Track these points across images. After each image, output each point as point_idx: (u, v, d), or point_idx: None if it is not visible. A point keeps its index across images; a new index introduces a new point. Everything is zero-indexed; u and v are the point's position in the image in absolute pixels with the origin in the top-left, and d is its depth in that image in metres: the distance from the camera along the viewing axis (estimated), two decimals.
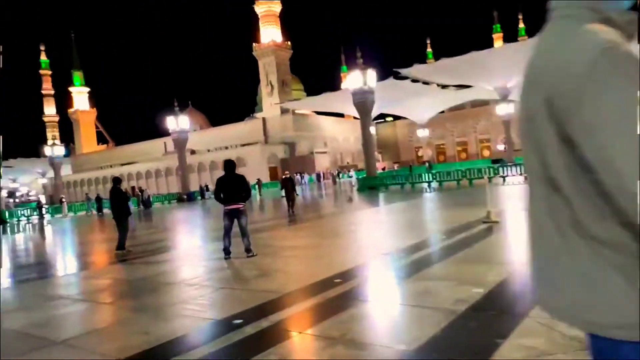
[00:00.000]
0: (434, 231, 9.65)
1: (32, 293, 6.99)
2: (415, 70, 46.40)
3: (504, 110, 46.88)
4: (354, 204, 19.58)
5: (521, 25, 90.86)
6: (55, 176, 49.61)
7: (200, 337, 4.06)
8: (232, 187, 7.76)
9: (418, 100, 58.27)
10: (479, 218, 9.51)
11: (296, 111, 71.55)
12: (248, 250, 7.82)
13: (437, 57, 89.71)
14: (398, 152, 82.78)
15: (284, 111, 69.77)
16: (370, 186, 28.58)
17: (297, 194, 16.73)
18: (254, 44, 73.43)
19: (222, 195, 7.83)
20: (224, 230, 7.90)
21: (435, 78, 49.46)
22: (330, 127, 75.82)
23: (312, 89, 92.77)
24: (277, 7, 74.28)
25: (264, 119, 71.84)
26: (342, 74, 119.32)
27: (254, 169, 63.51)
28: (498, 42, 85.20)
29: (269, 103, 72.40)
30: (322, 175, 59.48)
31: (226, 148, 71.37)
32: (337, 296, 4.81)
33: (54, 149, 50.17)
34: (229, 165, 7.89)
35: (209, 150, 73.30)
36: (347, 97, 56.51)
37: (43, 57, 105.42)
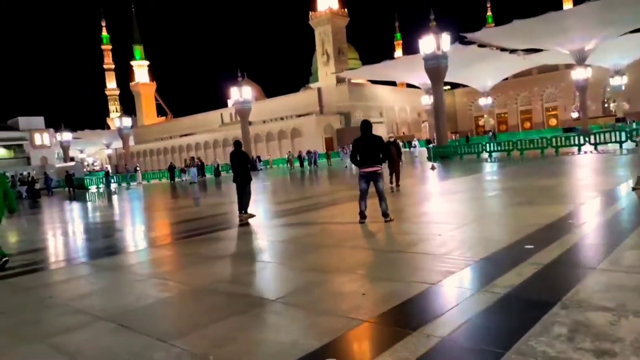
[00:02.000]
0: (605, 192, 8.80)
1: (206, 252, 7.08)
2: (485, 34, 44.04)
3: (580, 75, 43.75)
4: (445, 172, 18.78)
5: None
6: (124, 146, 51.52)
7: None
8: (369, 149, 7.37)
9: (481, 67, 55.59)
10: (623, 184, 8.86)
11: (352, 80, 70.37)
12: (385, 214, 7.50)
13: (497, 22, 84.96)
14: (456, 122, 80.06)
15: (339, 81, 68.76)
16: (443, 155, 27.72)
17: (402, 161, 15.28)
18: (310, 13, 72.15)
19: (358, 158, 7.45)
20: (360, 193, 7.57)
21: (505, 42, 46.71)
22: (386, 97, 74.19)
23: (366, 58, 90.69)
24: None
25: (319, 89, 71.20)
26: (395, 42, 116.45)
27: (310, 140, 63.53)
28: (568, 3, 79.22)
29: (325, 73, 71.49)
30: None
31: (282, 119, 71.67)
32: (553, 262, 4.39)
33: (123, 120, 51.98)
34: (366, 125, 7.45)
35: (264, 122, 73.80)
36: (407, 65, 54.94)
37: (104, 33, 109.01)
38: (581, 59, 42.73)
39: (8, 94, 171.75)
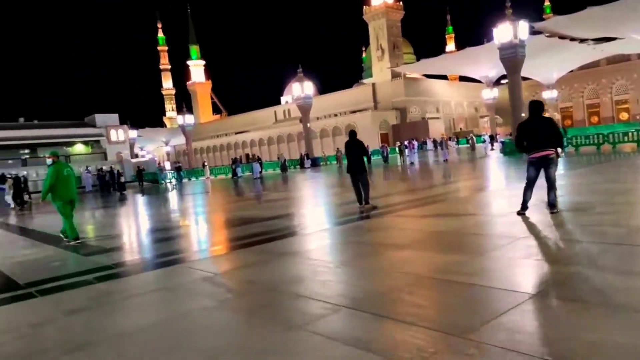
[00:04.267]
0: None
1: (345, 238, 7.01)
2: (554, 22, 42.01)
3: None
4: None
5: None
6: (187, 143, 53.17)
7: None
8: (539, 132, 6.79)
9: (547, 58, 53.17)
10: None
11: (407, 75, 69.33)
12: (552, 205, 6.92)
13: (556, 12, 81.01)
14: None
15: (394, 75, 67.93)
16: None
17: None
18: (364, 7, 71.70)
19: (525, 143, 6.89)
20: (526, 182, 7.02)
21: (575, 31, 44.33)
22: (442, 91, 72.62)
23: (419, 52, 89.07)
24: None
25: (373, 84, 70.66)
26: (447, 35, 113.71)
27: (366, 136, 62.97)
28: None
29: (380, 68, 70.86)
30: (439, 141, 57.21)
31: (335, 115, 71.66)
32: None
33: (185, 117, 53.50)
34: (536, 106, 6.87)
35: (317, 118, 74.10)
36: (468, 58, 53.35)
37: (160, 34, 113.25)
38: None
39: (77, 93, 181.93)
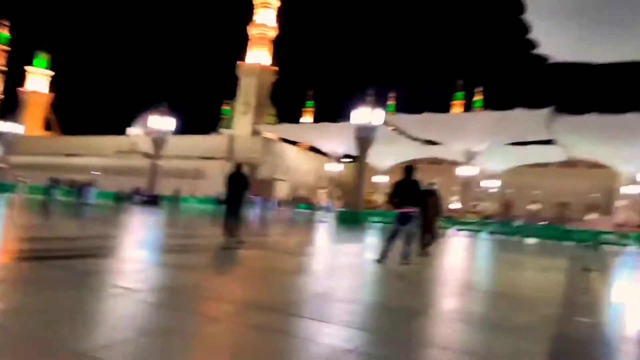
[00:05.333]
0: None
1: None
2: (397, 118, 49.57)
3: (465, 172, 50.82)
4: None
5: (478, 97, 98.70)
6: (8, 154, 46.12)
7: None
8: (407, 192, 7.77)
9: (384, 147, 61.27)
10: None
11: (264, 135, 72.25)
12: (405, 256, 7.78)
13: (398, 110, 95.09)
14: (347, 193, 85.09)
15: (255, 133, 70.27)
16: (356, 221, 29.58)
17: None
18: (238, 62, 74.05)
19: (396, 199, 7.80)
20: (390, 233, 7.87)
21: (411, 130, 52.66)
22: (294, 157, 76.97)
23: (280, 117, 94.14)
24: (272, 32, 75.89)
25: (231, 136, 71.73)
26: (303, 109, 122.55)
27: (214, 183, 62.74)
28: (456, 109, 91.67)
29: (242, 122, 72.64)
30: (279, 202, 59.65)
31: (186, 158, 70.00)
32: None
33: (10, 125, 46.89)
34: (409, 169, 7.95)
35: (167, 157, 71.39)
36: (326, 131, 58.34)
37: (4, 32, 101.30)
38: (469, 159, 49.79)
39: None
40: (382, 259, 7.79)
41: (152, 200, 38.42)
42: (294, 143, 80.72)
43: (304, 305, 4.68)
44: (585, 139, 41.09)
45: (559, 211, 66.76)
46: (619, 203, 63.08)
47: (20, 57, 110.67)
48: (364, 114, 30.62)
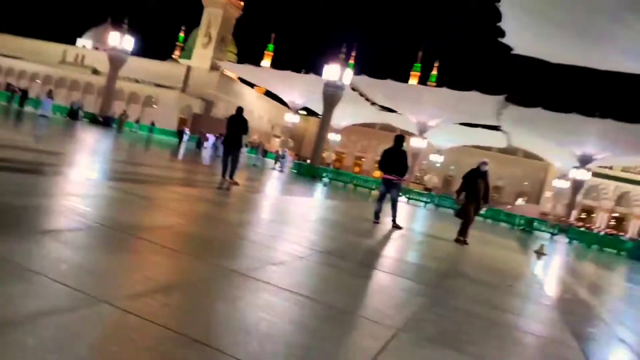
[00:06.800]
0: None
1: None
2: (360, 79, 49.96)
3: (416, 143, 52.89)
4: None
5: (434, 72, 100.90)
6: None
7: None
8: (393, 160, 8.46)
9: (343, 106, 61.90)
10: None
11: (224, 72, 70.33)
12: (394, 221, 8.52)
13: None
14: (302, 146, 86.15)
15: (214, 67, 68.19)
16: (314, 175, 30.63)
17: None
18: None
19: (384, 165, 8.54)
20: (379, 195, 8.84)
21: (372, 94, 53.56)
22: (251, 99, 75.86)
23: (240, 56, 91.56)
24: None
25: (189, 67, 69.20)
26: (266, 52, 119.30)
27: (165, 114, 60.92)
28: (413, 79, 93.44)
29: (202, 54, 70.00)
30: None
31: (137, 82, 66.90)
32: None
33: None
34: (399, 139, 8.54)
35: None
36: (285, 79, 57.83)
37: None
38: (422, 132, 51.81)
39: None
40: (376, 219, 8.67)
41: (105, 122, 36.86)
42: (251, 85, 79.30)
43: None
44: (527, 130, 44.14)
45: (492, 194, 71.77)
46: (547, 194, 69.05)
47: None
48: (334, 71, 30.96)
